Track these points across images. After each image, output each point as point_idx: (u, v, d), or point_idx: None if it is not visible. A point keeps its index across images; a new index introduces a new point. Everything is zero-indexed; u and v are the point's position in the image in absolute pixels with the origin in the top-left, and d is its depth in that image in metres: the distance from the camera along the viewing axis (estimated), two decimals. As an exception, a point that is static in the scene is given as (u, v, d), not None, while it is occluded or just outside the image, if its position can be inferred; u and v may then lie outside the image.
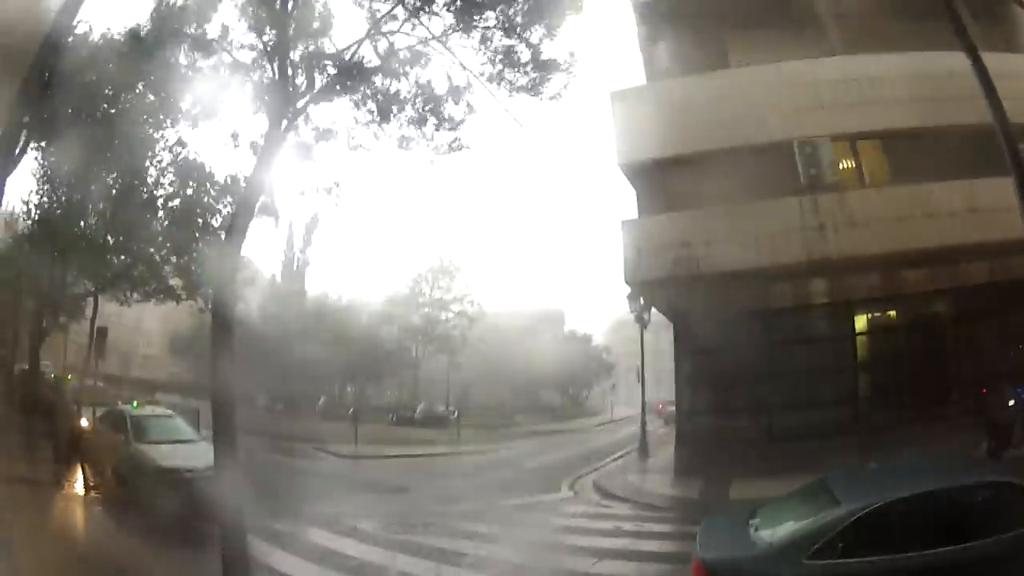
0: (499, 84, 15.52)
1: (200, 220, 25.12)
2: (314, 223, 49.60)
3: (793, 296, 20.51)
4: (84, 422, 20.21)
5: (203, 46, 13.85)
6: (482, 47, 14.62)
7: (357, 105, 14.27)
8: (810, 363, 19.78)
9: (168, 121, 22.34)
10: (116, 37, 18.41)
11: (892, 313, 20.83)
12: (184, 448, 16.17)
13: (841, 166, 20.30)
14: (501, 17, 14.16)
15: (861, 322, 20.43)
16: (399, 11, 13.93)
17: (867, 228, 18.76)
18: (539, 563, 12.90)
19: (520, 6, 13.98)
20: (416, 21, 14.16)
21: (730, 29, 21.19)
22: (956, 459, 10.26)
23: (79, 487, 16.94)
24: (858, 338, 20.32)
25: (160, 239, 25.33)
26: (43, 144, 21.80)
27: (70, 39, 15.20)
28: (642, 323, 27.41)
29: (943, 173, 18.22)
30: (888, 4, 19.36)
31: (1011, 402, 16.00)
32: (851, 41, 19.57)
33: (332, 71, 13.56)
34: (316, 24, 13.87)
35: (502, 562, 13.04)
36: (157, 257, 25.53)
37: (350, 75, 13.93)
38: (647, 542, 14.27)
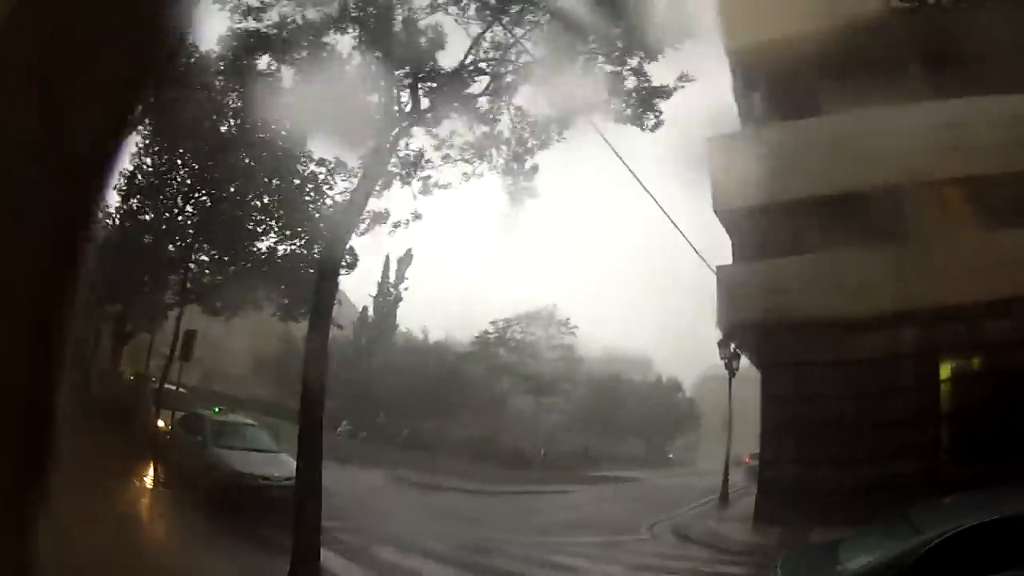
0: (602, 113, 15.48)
1: (298, 244, 25.83)
2: (408, 258, 50.05)
3: (879, 346, 19.79)
4: (160, 423, 20.63)
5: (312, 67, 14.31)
6: (584, 73, 14.63)
7: (456, 129, 14.56)
8: (894, 414, 19.11)
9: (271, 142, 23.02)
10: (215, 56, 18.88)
11: (976, 362, 19.96)
12: (262, 457, 16.48)
13: (930, 213, 19.69)
14: (603, 42, 14.18)
15: (945, 372, 19.67)
16: (500, 35, 14.14)
17: (954, 276, 18.18)
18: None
19: (623, 31, 13.96)
20: (518, 46, 14.31)
21: (821, 77, 21.04)
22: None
23: (148, 482, 17.23)
24: (942, 387, 19.57)
25: (258, 257, 25.99)
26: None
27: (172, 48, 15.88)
28: (731, 371, 26.96)
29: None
30: (976, 49, 18.98)
31: None
32: (939, 86, 19.22)
33: (436, 93, 13.84)
34: (423, 46, 14.22)
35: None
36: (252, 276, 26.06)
37: (453, 97, 14.23)
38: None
